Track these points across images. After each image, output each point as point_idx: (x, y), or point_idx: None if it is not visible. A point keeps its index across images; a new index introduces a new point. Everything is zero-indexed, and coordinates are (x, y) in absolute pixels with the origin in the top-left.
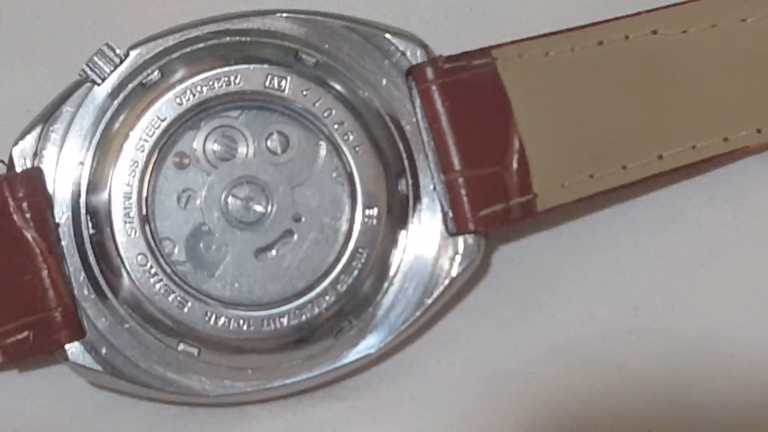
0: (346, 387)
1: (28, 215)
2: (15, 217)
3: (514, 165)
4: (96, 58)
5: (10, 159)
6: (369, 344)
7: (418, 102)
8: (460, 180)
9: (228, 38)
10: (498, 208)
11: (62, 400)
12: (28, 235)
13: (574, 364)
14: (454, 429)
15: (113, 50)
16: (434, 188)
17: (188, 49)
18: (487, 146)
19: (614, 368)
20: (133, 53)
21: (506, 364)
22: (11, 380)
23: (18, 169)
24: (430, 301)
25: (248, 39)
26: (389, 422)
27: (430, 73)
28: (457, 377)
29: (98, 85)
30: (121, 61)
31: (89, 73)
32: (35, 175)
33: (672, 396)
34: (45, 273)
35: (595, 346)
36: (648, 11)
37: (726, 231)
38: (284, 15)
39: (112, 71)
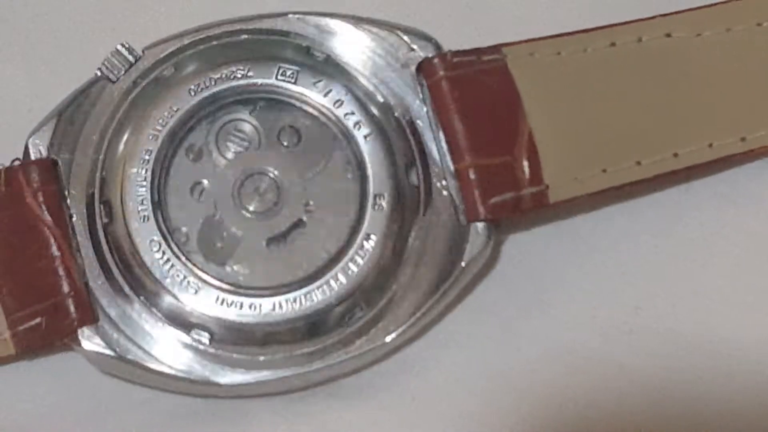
0: (347, 386)
1: (42, 203)
2: (30, 204)
3: (524, 155)
4: (111, 58)
5: (26, 149)
6: (381, 333)
7: (428, 95)
8: (470, 169)
9: (241, 36)
10: (508, 197)
11: (64, 398)
12: (42, 223)
13: (574, 364)
14: (454, 429)
15: (128, 51)
16: (444, 178)
17: (202, 47)
18: (496, 136)
19: (615, 368)
20: (147, 53)
21: (507, 363)
22: (15, 377)
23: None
24: (441, 290)
25: (261, 37)
26: (389, 422)
27: (439, 66)
28: (457, 377)
29: (113, 82)
30: (136, 61)
31: (105, 72)
32: (50, 165)
33: (672, 396)
34: (58, 260)
35: (596, 346)
36: (662, 15)
37: (726, 231)
38: (296, 16)
39: (127, 70)
